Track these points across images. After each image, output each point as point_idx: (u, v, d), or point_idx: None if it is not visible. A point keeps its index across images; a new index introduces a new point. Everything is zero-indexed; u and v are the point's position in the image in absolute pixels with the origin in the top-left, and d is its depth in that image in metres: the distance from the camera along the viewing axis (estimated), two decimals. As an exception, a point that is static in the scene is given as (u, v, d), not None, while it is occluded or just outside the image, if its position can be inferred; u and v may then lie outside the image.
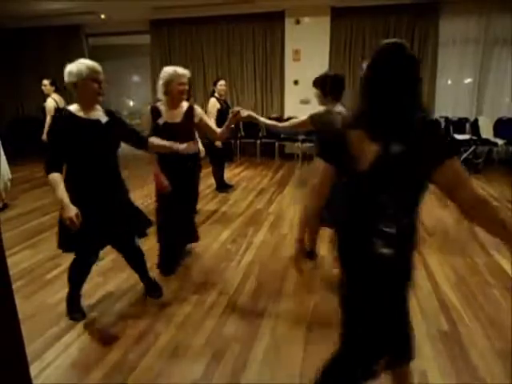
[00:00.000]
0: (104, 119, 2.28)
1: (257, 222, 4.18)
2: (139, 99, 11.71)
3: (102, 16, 7.47)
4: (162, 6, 6.82)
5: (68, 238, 2.24)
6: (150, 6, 6.86)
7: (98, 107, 2.29)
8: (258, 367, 2.05)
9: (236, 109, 2.91)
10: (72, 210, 2.06)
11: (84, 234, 2.17)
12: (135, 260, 2.69)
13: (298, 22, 7.15)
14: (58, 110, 2.21)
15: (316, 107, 2.99)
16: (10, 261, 1.39)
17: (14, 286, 1.24)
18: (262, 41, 7.43)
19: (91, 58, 2.37)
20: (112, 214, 2.32)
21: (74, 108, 2.21)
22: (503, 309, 2.52)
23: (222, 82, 5.08)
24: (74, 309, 2.53)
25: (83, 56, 8.29)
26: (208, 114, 5.03)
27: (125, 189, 2.47)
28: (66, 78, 2.15)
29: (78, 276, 2.50)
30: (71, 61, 2.18)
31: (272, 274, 3.06)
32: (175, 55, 7.90)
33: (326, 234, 3.88)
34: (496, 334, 2.26)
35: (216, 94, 5.05)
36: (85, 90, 2.16)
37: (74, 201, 2.09)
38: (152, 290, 2.75)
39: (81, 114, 2.20)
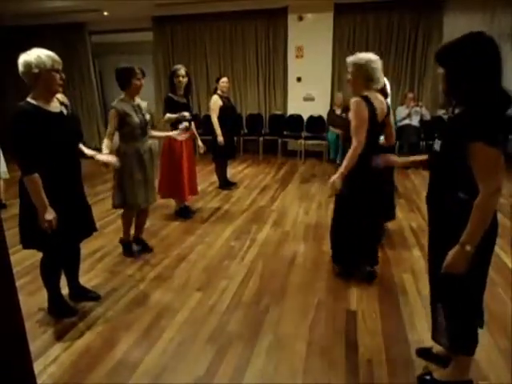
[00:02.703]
0: (65, 111, 2.22)
1: (260, 220, 4.18)
2: (142, 96, 11.72)
3: (105, 13, 7.46)
4: (165, 2, 6.80)
5: (35, 235, 2.17)
6: (152, 3, 6.85)
7: (55, 99, 2.20)
8: (261, 364, 2.05)
9: None
10: (51, 214, 2.06)
11: (56, 232, 2.12)
12: (75, 260, 2.62)
13: (300, 19, 7.11)
14: (20, 104, 2.08)
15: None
16: (13, 258, 1.39)
17: (17, 284, 1.24)
18: (265, 37, 7.40)
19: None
20: (77, 210, 2.31)
21: (33, 101, 2.08)
22: (507, 307, 2.51)
23: (224, 79, 5.06)
24: (63, 309, 2.48)
25: (87, 53, 8.31)
26: (210, 111, 5.03)
27: (83, 186, 2.42)
28: (24, 69, 2.02)
29: (54, 274, 2.43)
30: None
31: (275, 270, 3.06)
32: (178, 52, 7.89)
33: (324, 232, 3.88)
34: (500, 332, 2.25)
35: (218, 91, 5.04)
36: (48, 81, 2.06)
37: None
38: (81, 294, 2.67)
39: (44, 106, 2.10)
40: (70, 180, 2.26)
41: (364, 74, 2.50)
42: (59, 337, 2.29)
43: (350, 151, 2.48)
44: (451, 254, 1.51)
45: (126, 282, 2.93)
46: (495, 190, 1.42)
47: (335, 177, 2.49)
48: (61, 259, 2.44)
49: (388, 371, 1.98)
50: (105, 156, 2.60)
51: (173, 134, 3.51)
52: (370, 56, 2.51)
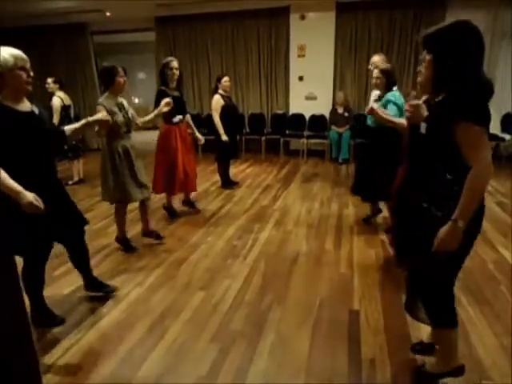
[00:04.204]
0: (36, 110, 2.18)
1: (262, 219, 4.18)
2: (145, 96, 11.74)
3: (107, 13, 7.47)
4: (167, 3, 6.81)
5: (16, 241, 2.00)
6: (154, 3, 6.86)
7: (25, 98, 2.14)
8: (264, 363, 2.06)
9: None
10: (29, 195, 1.89)
11: (32, 235, 2.07)
12: (81, 257, 2.62)
13: (303, 18, 7.10)
14: None
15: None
16: (17, 258, 1.40)
17: (22, 284, 1.25)
18: (267, 37, 7.39)
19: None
20: (56, 210, 2.24)
21: (3, 101, 2.02)
22: (510, 305, 2.50)
23: (226, 78, 5.06)
24: (48, 317, 2.42)
25: (89, 54, 8.32)
26: (213, 110, 5.03)
27: (61, 182, 2.39)
28: None
29: (36, 281, 2.35)
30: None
31: (278, 270, 3.06)
32: (180, 52, 7.88)
33: (327, 232, 3.88)
34: (504, 331, 2.24)
35: (220, 91, 5.03)
36: (13, 80, 1.99)
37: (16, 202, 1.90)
38: (96, 287, 2.72)
39: (13, 106, 2.03)
40: (44, 178, 2.21)
41: None
42: (62, 336, 2.30)
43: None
44: (444, 230, 1.53)
45: (129, 281, 2.94)
46: (484, 164, 1.45)
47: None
48: (42, 264, 2.35)
49: (391, 371, 1.98)
50: (96, 116, 2.63)
51: (159, 108, 3.49)
52: None
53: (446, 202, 1.55)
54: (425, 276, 1.74)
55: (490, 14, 6.36)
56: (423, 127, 1.66)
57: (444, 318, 1.77)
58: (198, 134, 4.41)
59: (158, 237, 3.61)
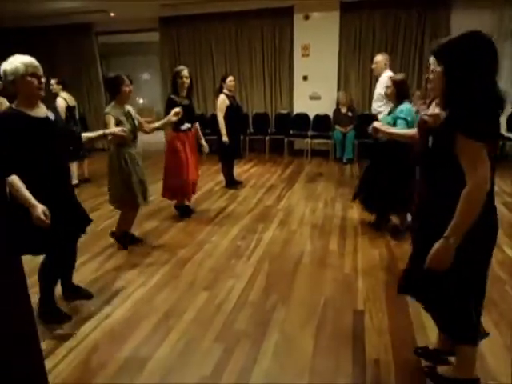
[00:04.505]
0: (52, 116, 2.23)
1: (266, 219, 4.18)
2: (149, 97, 11.77)
3: (112, 14, 7.50)
4: (171, 3, 6.82)
5: (37, 240, 2.15)
6: (158, 3, 6.87)
7: (42, 105, 2.21)
8: (268, 363, 2.06)
9: None
10: (40, 208, 1.99)
11: (55, 233, 2.14)
12: (72, 260, 2.63)
13: (307, 18, 7.09)
14: (4, 110, 2.13)
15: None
16: (23, 257, 1.41)
17: (28, 282, 1.26)
18: (271, 37, 7.38)
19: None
20: (68, 210, 2.33)
21: (18, 107, 2.10)
22: (516, 306, 2.49)
23: (230, 78, 5.07)
24: (57, 313, 2.47)
25: (94, 54, 8.36)
26: (217, 110, 5.04)
27: (72, 186, 2.48)
28: (3, 78, 2.06)
29: (54, 277, 2.45)
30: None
31: (282, 270, 3.06)
32: (184, 52, 7.91)
33: (331, 232, 3.87)
34: (509, 332, 2.23)
35: (225, 91, 5.04)
36: (24, 86, 2.06)
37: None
38: (74, 292, 2.70)
39: (27, 112, 2.10)
40: (58, 181, 2.26)
41: None
42: (67, 336, 2.32)
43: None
44: (435, 248, 1.50)
45: (134, 281, 2.95)
46: (479, 181, 1.41)
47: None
48: (62, 261, 2.45)
49: (395, 371, 1.98)
50: (112, 129, 2.82)
51: (169, 117, 3.50)
52: None
53: (446, 216, 1.49)
54: (440, 291, 1.68)
55: (495, 14, 6.32)
56: (430, 141, 1.60)
57: (463, 334, 1.72)
58: (204, 143, 4.43)
59: (133, 240, 3.62)
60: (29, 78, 2.06)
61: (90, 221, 2.59)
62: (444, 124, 1.49)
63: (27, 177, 2.03)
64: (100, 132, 2.67)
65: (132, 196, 3.26)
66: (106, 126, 3.08)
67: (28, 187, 2.02)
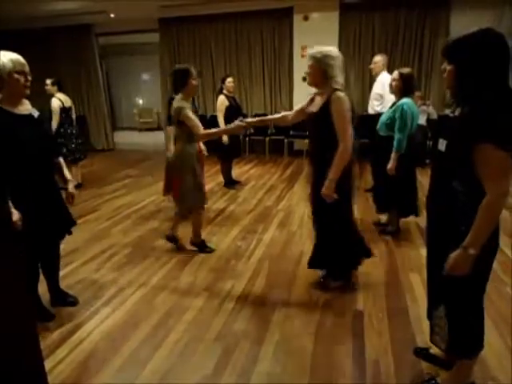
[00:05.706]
0: (36, 113, 2.21)
1: (266, 220, 4.18)
2: (149, 97, 11.78)
3: (112, 15, 7.51)
4: (171, 4, 6.83)
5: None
6: (158, 4, 6.89)
7: (26, 101, 2.18)
8: (268, 363, 2.06)
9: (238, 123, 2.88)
10: (15, 215, 1.95)
11: (29, 235, 2.08)
12: (55, 264, 2.57)
13: (306, 18, 7.09)
14: None
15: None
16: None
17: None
18: (271, 37, 7.40)
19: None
20: (50, 209, 2.28)
21: (0, 104, 2.06)
22: (516, 306, 2.49)
23: (230, 79, 5.08)
24: (42, 313, 2.44)
25: (94, 55, 8.37)
26: (217, 111, 5.04)
27: (57, 186, 2.40)
28: None
29: (32, 277, 2.35)
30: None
31: (281, 270, 3.06)
32: (184, 53, 7.92)
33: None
34: (509, 332, 2.23)
35: (225, 91, 5.05)
36: (11, 84, 2.03)
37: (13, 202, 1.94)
38: (61, 299, 2.63)
39: (10, 109, 2.06)
40: (41, 179, 2.23)
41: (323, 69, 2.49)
42: (67, 336, 2.32)
43: (340, 155, 2.35)
44: (453, 256, 1.46)
45: (134, 281, 2.95)
46: (502, 192, 1.36)
47: (327, 188, 2.36)
48: (37, 261, 2.38)
49: (395, 372, 1.98)
50: (233, 124, 2.86)
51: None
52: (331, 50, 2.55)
53: (458, 222, 1.47)
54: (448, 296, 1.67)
55: (495, 13, 6.33)
56: (442, 144, 1.53)
57: (465, 351, 1.69)
58: (202, 146, 4.39)
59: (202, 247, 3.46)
60: (16, 75, 2.03)
61: (73, 223, 2.50)
62: (463, 128, 1.40)
63: (8, 173, 1.99)
64: (221, 129, 2.52)
65: (202, 197, 3.20)
66: (179, 122, 2.96)
67: (9, 184, 1.97)
